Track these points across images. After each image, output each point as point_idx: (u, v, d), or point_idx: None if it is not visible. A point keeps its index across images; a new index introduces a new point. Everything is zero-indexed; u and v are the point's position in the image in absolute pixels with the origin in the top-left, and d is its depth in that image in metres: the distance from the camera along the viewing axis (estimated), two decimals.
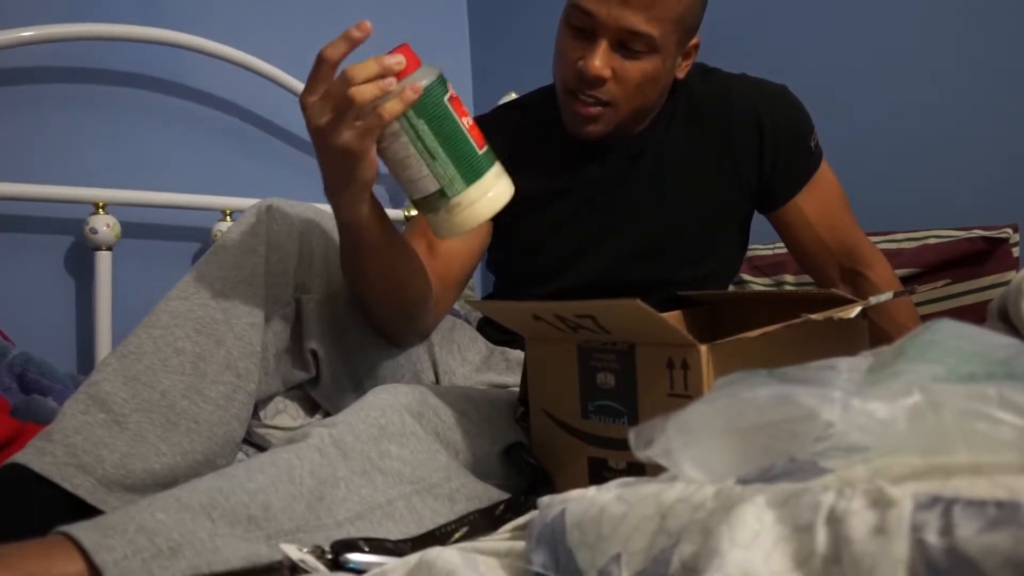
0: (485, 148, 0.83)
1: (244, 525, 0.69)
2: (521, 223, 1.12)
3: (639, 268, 1.14)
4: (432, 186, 0.80)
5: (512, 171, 1.11)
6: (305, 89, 0.78)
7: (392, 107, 0.76)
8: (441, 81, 0.80)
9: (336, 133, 0.77)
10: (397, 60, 0.77)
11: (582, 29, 0.99)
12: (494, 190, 0.83)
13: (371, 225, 0.87)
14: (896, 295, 0.89)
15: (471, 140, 0.81)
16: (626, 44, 0.99)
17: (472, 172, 0.80)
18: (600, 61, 0.98)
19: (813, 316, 0.73)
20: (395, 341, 1.05)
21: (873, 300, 0.81)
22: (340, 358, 1.02)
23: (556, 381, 0.84)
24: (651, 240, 1.14)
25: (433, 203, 0.81)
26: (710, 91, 1.13)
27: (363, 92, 0.75)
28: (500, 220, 1.12)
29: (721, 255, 1.20)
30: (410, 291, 0.98)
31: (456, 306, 1.57)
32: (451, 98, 0.80)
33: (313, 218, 1.01)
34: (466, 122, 0.81)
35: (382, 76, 0.76)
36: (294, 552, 0.63)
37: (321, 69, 0.77)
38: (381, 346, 1.04)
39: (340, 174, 0.81)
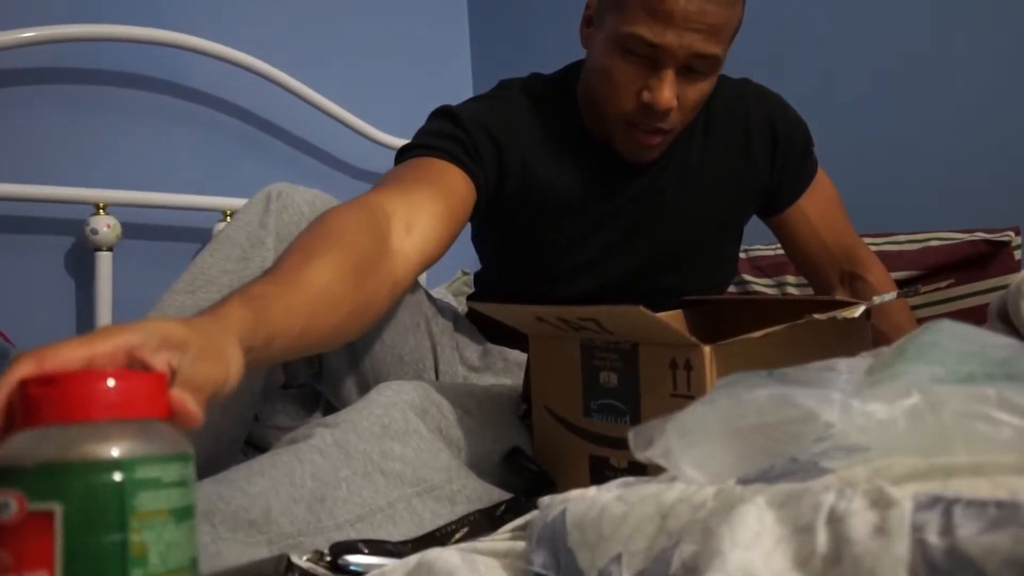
0: None
1: (245, 530, 0.69)
2: (544, 228, 1.08)
3: (657, 277, 1.12)
4: None
5: (535, 168, 1.05)
6: None
7: None
8: None
9: None
10: None
11: (643, 57, 0.93)
12: None
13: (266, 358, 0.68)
14: (899, 295, 0.89)
15: None
16: (692, 68, 0.94)
17: None
18: (669, 92, 0.93)
19: (817, 316, 0.73)
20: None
21: (877, 300, 0.81)
22: (345, 353, 1.01)
23: (559, 379, 0.84)
24: (673, 250, 1.12)
25: None
26: (723, 98, 1.10)
27: None
28: (523, 224, 1.07)
29: (728, 260, 1.20)
30: (365, 319, 0.83)
31: (454, 303, 1.57)
32: None
33: (323, 206, 0.97)
34: None
35: None
36: (295, 559, 0.63)
37: None
38: (383, 344, 1.03)
39: None
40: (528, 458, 0.88)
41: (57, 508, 0.39)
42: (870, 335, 0.90)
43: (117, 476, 0.39)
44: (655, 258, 1.11)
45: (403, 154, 1.01)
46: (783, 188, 1.14)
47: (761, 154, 1.11)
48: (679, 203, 1.10)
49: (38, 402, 0.41)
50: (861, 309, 0.76)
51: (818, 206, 1.15)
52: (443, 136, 1.00)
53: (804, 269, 1.21)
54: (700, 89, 0.97)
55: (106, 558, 0.39)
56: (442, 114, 1.05)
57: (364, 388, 0.98)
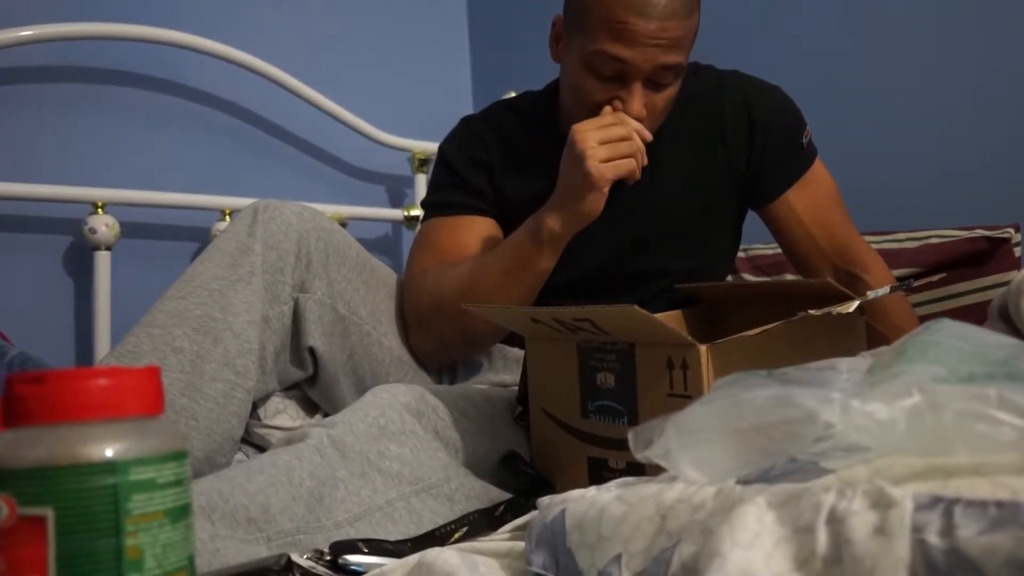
0: None
1: (244, 527, 0.69)
2: (518, 223, 1.12)
3: (636, 259, 1.14)
4: None
5: (508, 173, 1.12)
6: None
7: None
8: None
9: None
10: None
11: (611, 73, 0.98)
12: None
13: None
14: (893, 290, 0.89)
15: None
16: (657, 79, 0.99)
17: None
18: (639, 103, 0.98)
19: (812, 312, 0.73)
20: (441, 366, 1.12)
21: (871, 294, 0.81)
22: (340, 357, 1.01)
23: (556, 381, 0.84)
24: (648, 231, 1.14)
25: None
26: (700, 86, 1.12)
27: None
28: (505, 221, 1.12)
29: (713, 247, 1.19)
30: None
31: None
32: None
33: (310, 218, 1.01)
34: None
35: None
36: (296, 558, 0.63)
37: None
38: (382, 346, 1.04)
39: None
40: (525, 462, 0.88)
41: (49, 513, 0.38)
42: (864, 330, 0.90)
43: (110, 479, 0.39)
44: (631, 240, 1.13)
45: (425, 209, 1.17)
46: (766, 176, 1.13)
47: (736, 138, 1.11)
48: (647, 193, 1.12)
49: (27, 401, 0.40)
50: (855, 304, 0.76)
51: (808, 200, 1.13)
52: (445, 188, 1.14)
53: (797, 265, 1.20)
54: (667, 96, 1.02)
55: (100, 563, 0.38)
56: (438, 162, 1.18)
57: (361, 392, 0.99)
